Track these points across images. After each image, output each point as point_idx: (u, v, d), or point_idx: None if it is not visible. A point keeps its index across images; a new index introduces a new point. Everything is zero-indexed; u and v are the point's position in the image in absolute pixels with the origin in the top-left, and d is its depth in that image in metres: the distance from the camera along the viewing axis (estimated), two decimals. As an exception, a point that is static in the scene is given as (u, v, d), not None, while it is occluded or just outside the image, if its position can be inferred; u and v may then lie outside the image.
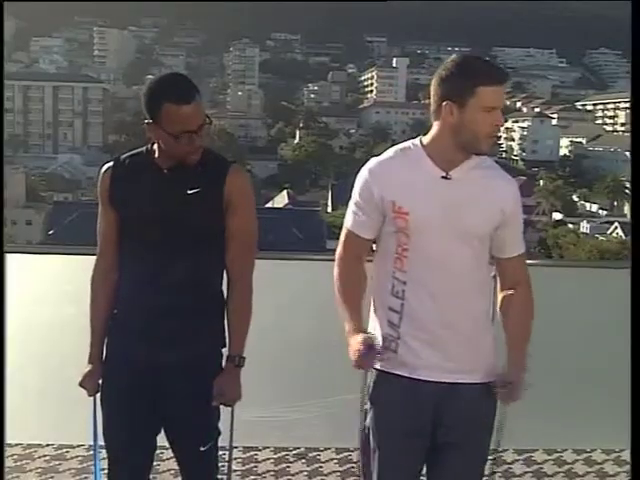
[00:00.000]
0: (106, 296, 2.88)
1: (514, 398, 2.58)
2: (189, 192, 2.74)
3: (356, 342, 2.50)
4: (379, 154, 2.70)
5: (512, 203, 2.63)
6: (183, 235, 2.76)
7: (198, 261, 2.78)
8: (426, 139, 2.59)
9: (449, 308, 2.58)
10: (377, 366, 2.62)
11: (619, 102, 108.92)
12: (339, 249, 2.69)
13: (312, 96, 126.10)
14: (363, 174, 2.65)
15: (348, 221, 2.67)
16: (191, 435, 2.84)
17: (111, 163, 2.88)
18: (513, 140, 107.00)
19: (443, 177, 2.54)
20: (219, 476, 2.98)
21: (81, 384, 2.90)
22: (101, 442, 2.92)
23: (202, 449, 2.84)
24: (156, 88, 2.71)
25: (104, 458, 2.94)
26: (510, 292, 2.68)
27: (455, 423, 2.60)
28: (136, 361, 2.80)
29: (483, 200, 2.57)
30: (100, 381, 2.89)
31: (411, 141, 2.64)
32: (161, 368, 2.78)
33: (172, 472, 3.76)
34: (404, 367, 2.59)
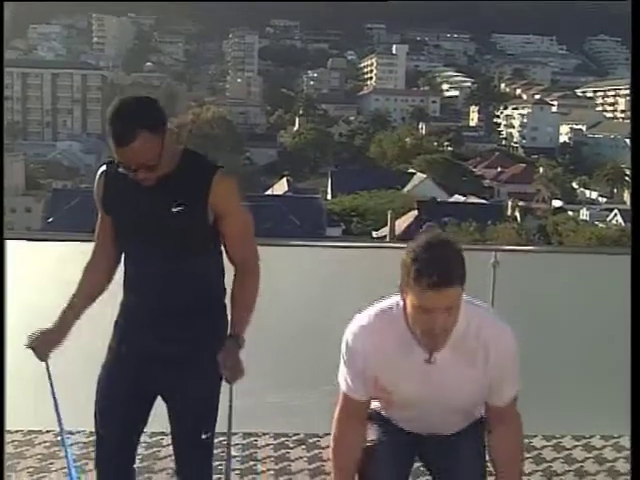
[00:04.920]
0: (89, 283, 2.94)
1: None
2: (174, 210, 2.71)
3: None
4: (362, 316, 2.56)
5: (502, 357, 2.50)
6: (174, 247, 2.77)
7: (194, 264, 2.79)
8: (407, 317, 2.43)
9: (440, 422, 2.66)
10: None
11: (619, 89, 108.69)
12: (337, 409, 2.65)
13: (311, 83, 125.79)
14: (349, 340, 2.54)
15: (341, 384, 2.62)
16: (194, 421, 2.85)
17: (104, 167, 2.88)
18: (513, 127, 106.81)
19: (427, 360, 2.45)
20: (216, 463, 3.01)
21: (31, 345, 2.89)
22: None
23: (204, 436, 2.86)
24: (108, 116, 2.65)
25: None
26: (498, 437, 2.61)
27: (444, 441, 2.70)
28: (141, 351, 2.83)
29: (470, 374, 2.49)
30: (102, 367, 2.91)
31: (395, 301, 2.49)
32: (166, 357, 2.81)
33: (172, 458, 3.77)
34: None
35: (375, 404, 2.70)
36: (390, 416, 2.69)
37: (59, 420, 2.91)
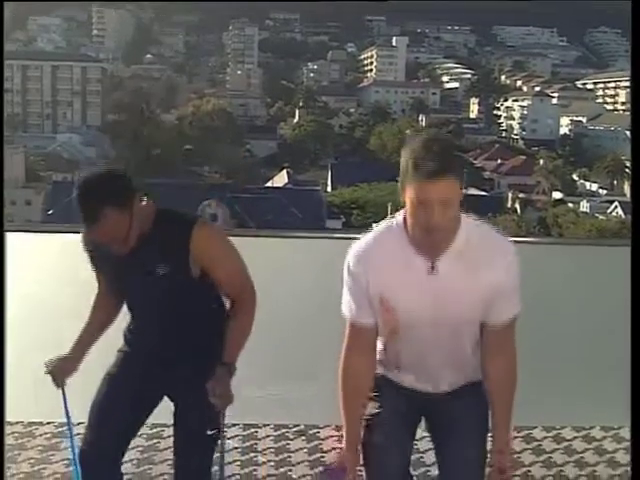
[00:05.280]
0: (98, 318, 3.03)
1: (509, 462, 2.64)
2: (157, 274, 2.74)
3: (338, 458, 2.62)
4: (362, 237, 2.58)
5: (504, 272, 2.51)
6: (163, 305, 2.83)
7: (187, 315, 2.85)
8: (407, 218, 2.48)
9: (437, 371, 2.64)
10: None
11: (619, 81, 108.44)
12: (345, 342, 2.63)
13: (311, 75, 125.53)
14: (350, 262, 2.55)
15: (344, 306, 2.61)
16: (200, 419, 2.87)
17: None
18: (513, 119, 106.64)
19: (429, 270, 2.47)
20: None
21: (50, 374, 2.94)
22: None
23: (209, 432, 2.88)
24: (74, 193, 2.64)
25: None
26: (494, 368, 2.60)
27: (449, 408, 2.68)
28: (147, 352, 2.93)
29: (473, 285, 2.49)
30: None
31: (395, 221, 2.54)
32: (174, 360, 2.89)
33: (172, 450, 3.78)
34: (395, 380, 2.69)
35: (379, 369, 2.68)
36: (396, 363, 2.66)
37: (71, 437, 3.01)
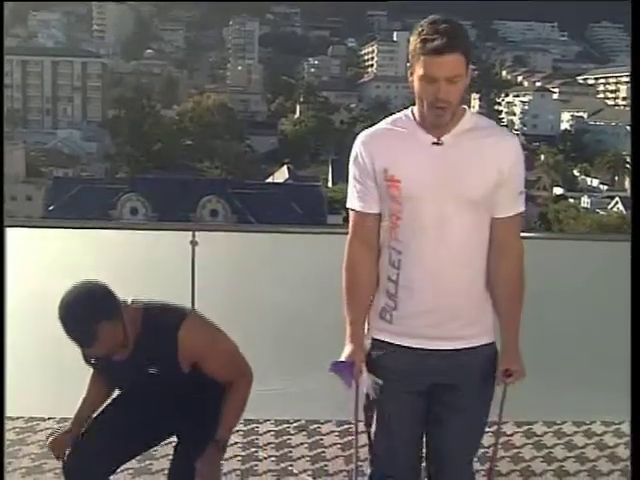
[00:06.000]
0: (95, 393, 3.07)
1: (519, 378, 2.61)
2: (150, 373, 2.79)
3: (343, 354, 2.58)
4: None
5: (510, 161, 2.55)
6: (159, 404, 2.92)
7: (185, 404, 2.92)
8: (415, 107, 2.56)
9: (445, 275, 2.55)
10: (374, 335, 2.64)
11: (621, 76, 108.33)
12: (348, 234, 2.65)
13: (312, 70, 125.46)
14: (355, 146, 2.62)
15: (349, 199, 2.64)
16: (205, 424, 2.90)
17: None
18: (514, 114, 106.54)
19: (434, 143, 2.51)
20: None
21: (51, 445, 3.00)
22: None
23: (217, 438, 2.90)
24: (60, 314, 2.73)
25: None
26: (499, 259, 2.58)
27: (452, 384, 2.61)
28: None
29: (478, 162, 2.52)
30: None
31: (403, 112, 2.62)
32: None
33: (169, 458, 3.79)
34: (400, 337, 2.60)
35: (385, 336, 2.62)
36: (401, 270, 2.56)
37: None
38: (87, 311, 2.65)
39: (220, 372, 2.88)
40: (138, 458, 4.05)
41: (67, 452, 2.98)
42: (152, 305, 2.84)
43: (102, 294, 2.71)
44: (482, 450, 3.07)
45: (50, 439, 2.99)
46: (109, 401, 3.07)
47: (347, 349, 2.58)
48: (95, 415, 3.03)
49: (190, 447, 2.92)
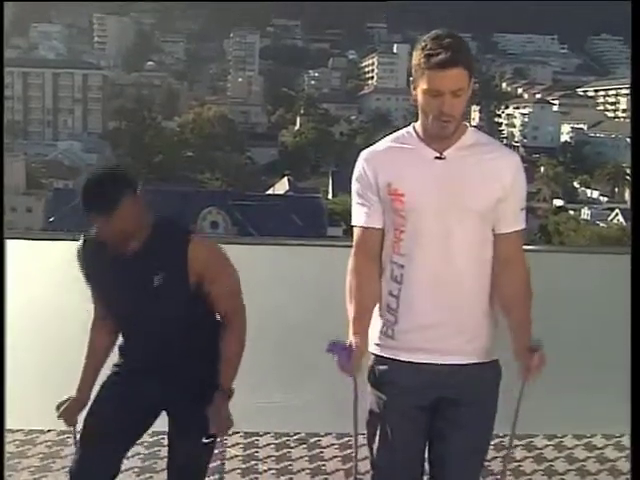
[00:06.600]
0: (96, 342, 3.01)
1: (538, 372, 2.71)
2: (154, 284, 2.74)
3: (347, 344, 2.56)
4: (377, 142, 2.69)
5: (512, 177, 2.59)
6: (159, 315, 2.82)
7: (182, 328, 2.84)
8: (417, 124, 2.60)
9: (446, 289, 2.56)
10: (376, 351, 2.64)
11: (620, 88, 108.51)
12: (352, 249, 2.66)
13: (312, 82, 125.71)
14: (358, 163, 2.65)
15: (353, 216, 2.66)
16: (196, 426, 2.85)
17: (81, 242, 2.90)
18: (514, 126, 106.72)
19: (437, 157, 2.54)
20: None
21: (61, 414, 2.95)
22: None
23: (205, 441, 2.87)
24: (82, 192, 2.67)
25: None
26: (504, 274, 2.60)
27: (456, 399, 2.60)
28: (143, 367, 2.92)
29: (480, 176, 2.54)
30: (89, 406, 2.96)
31: (404, 129, 2.66)
32: (170, 374, 2.89)
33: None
34: (401, 352, 2.60)
35: (384, 352, 2.62)
36: (403, 285, 2.57)
37: None
38: (114, 181, 2.66)
39: (221, 299, 2.85)
40: (142, 457, 4.06)
41: (72, 457, 2.94)
42: (164, 215, 2.87)
43: (128, 173, 2.74)
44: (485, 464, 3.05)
45: (60, 410, 2.94)
46: (102, 391, 2.98)
47: (350, 338, 2.58)
48: (88, 411, 2.95)
49: (183, 437, 2.89)
